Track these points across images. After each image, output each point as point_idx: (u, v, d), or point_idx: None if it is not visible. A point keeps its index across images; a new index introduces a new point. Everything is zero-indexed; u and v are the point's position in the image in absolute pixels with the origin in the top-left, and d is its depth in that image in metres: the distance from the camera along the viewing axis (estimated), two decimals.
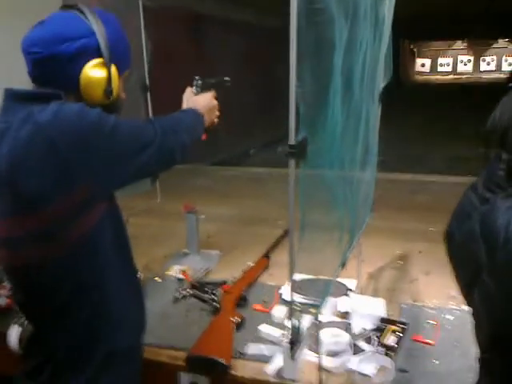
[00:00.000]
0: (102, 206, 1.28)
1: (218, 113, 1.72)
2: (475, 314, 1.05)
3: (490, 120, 1.03)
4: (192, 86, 1.75)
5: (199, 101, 1.64)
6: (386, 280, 2.57)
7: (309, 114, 1.39)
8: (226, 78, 1.87)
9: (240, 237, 3.34)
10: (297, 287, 2.31)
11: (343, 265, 2.01)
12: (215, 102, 1.71)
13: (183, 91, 1.75)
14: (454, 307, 2.22)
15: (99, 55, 1.28)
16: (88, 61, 1.26)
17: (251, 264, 2.75)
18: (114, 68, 1.31)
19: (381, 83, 2.23)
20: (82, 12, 1.28)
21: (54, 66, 1.24)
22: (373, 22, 1.91)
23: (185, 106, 1.67)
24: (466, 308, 1.20)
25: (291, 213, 1.48)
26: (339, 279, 2.30)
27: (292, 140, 1.36)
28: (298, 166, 1.44)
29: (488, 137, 1.04)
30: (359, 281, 2.42)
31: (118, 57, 1.32)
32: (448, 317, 2.15)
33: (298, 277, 2.59)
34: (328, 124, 1.56)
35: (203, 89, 1.74)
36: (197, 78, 1.76)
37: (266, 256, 2.86)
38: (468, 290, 1.04)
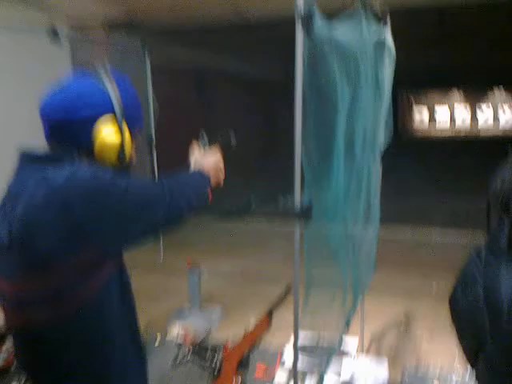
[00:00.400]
0: (110, 264, 1.29)
1: (223, 175, 1.74)
2: (479, 377, 1.04)
3: (492, 188, 1.04)
4: (198, 141, 1.78)
5: (207, 162, 1.66)
6: (389, 339, 2.53)
7: (313, 177, 1.41)
8: (232, 133, 1.90)
9: (242, 293, 3.32)
10: (301, 348, 2.28)
11: (348, 324, 1.99)
12: (222, 165, 1.73)
13: (188, 145, 1.77)
14: (458, 368, 2.18)
15: (114, 120, 1.30)
16: (103, 126, 1.29)
17: (253, 321, 2.72)
18: (127, 133, 1.33)
19: (381, 142, 2.28)
20: (97, 77, 1.32)
21: (70, 129, 1.28)
22: (373, 85, 1.97)
23: (193, 165, 1.70)
24: (470, 369, 1.18)
25: (296, 273, 1.48)
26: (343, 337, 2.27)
27: (297, 204, 1.38)
28: (304, 226, 1.45)
29: (490, 201, 1.06)
30: (362, 340, 2.39)
31: (132, 121, 1.35)
32: (452, 378, 2.12)
33: (302, 335, 2.57)
34: (332, 185, 1.58)
35: (209, 143, 1.77)
36: (203, 132, 1.79)
37: (268, 315, 2.82)
38: (472, 355, 1.03)
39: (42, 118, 1.30)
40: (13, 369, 2.30)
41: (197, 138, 1.80)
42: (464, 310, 1.06)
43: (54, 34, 2.71)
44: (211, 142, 1.76)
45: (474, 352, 1.04)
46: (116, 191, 1.23)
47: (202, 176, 1.57)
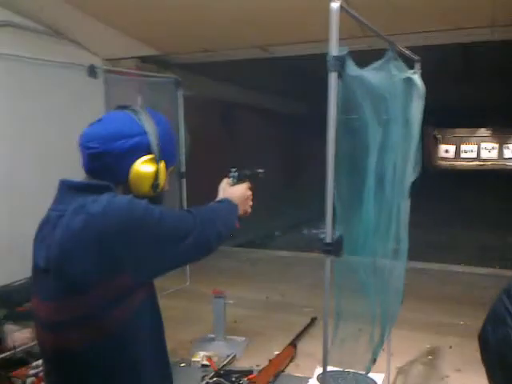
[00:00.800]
0: (142, 292, 1.31)
1: (251, 203, 1.79)
2: None
3: None
4: (228, 176, 1.83)
5: (234, 191, 1.71)
6: (415, 376, 2.52)
7: (344, 212, 1.46)
8: (260, 170, 1.94)
9: (266, 323, 3.33)
10: (326, 381, 2.28)
11: (374, 360, 1.99)
12: (249, 193, 1.75)
13: (215, 174, 1.83)
14: None
15: (150, 152, 1.36)
16: (140, 157, 1.34)
17: (277, 352, 2.73)
18: (162, 164, 1.38)
19: (410, 178, 2.31)
20: (135, 112, 1.38)
21: (108, 160, 1.33)
22: (403, 123, 2.01)
23: (221, 195, 1.76)
24: None
25: (326, 306, 1.50)
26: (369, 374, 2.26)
27: (329, 238, 1.42)
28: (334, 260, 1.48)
29: None
30: (388, 375, 2.38)
31: (166, 154, 1.40)
32: None
33: (324, 369, 2.55)
34: (362, 220, 1.62)
35: (239, 180, 1.82)
36: (233, 169, 1.84)
37: (293, 345, 2.83)
38: None
39: (81, 148, 1.36)
40: None
41: (224, 169, 1.85)
42: (494, 350, 1.07)
43: (92, 70, 2.84)
44: (240, 178, 1.80)
45: None
46: (150, 220, 1.27)
47: (230, 204, 1.62)
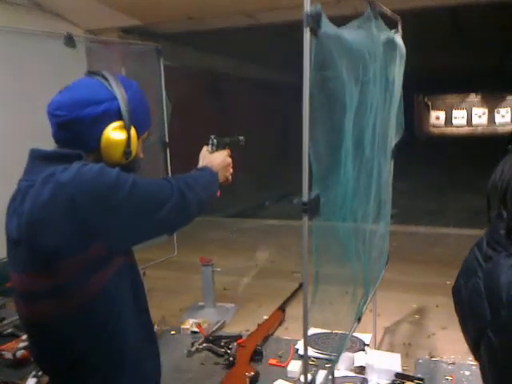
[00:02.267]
0: (118, 260, 1.30)
1: (231, 170, 1.76)
2: (482, 369, 1.06)
3: (491, 180, 1.06)
4: (208, 144, 1.81)
5: (214, 159, 1.68)
6: (402, 334, 2.56)
7: (321, 172, 1.45)
8: (240, 137, 1.92)
9: (256, 289, 3.36)
10: (312, 342, 2.31)
11: (359, 319, 2.02)
12: (229, 160, 1.73)
13: (200, 144, 1.80)
14: (470, 362, 2.20)
15: (120, 118, 1.32)
16: (109, 123, 1.30)
17: (266, 317, 2.76)
18: (133, 130, 1.35)
19: (393, 140, 2.30)
20: (105, 78, 1.34)
21: (77, 128, 1.29)
22: (383, 84, 2.00)
23: (201, 163, 1.73)
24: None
25: (305, 267, 1.52)
26: (355, 334, 2.30)
27: (305, 197, 1.42)
28: (311, 220, 1.48)
29: (489, 196, 1.08)
30: (375, 335, 2.41)
31: (138, 120, 1.37)
32: (465, 372, 2.13)
33: (313, 331, 2.60)
34: (340, 181, 1.62)
35: (218, 147, 1.80)
36: (212, 136, 1.81)
37: (282, 309, 2.87)
38: (475, 346, 1.05)
39: (49, 117, 1.32)
40: (31, 359, 2.37)
41: (207, 140, 1.83)
42: (466, 301, 1.08)
43: (70, 39, 2.78)
44: (220, 146, 1.78)
45: (475, 344, 1.06)
46: (123, 187, 1.24)
47: (209, 172, 1.59)
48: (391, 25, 2.33)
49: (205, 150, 1.75)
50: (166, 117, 3.44)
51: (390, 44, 2.22)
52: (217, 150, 1.75)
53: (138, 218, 1.28)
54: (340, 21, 1.62)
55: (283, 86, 9.17)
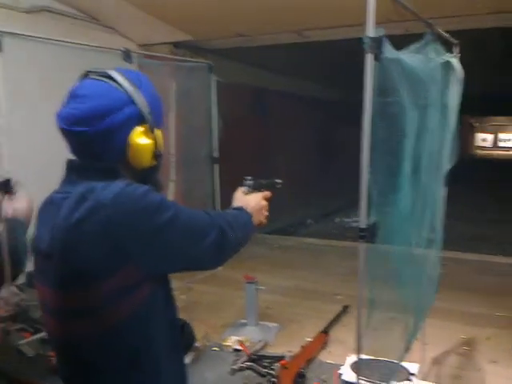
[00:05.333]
0: (152, 283, 1.25)
1: (266, 213, 1.67)
2: None
3: None
4: (243, 185, 1.77)
5: (249, 201, 1.63)
6: (450, 366, 2.47)
7: (379, 198, 1.43)
8: (278, 181, 1.88)
9: (298, 310, 3.32)
10: (359, 368, 2.26)
11: (408, 348, 1.96)
12: (264, 203, 1.67)
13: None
14: None
15: (141, 121, 1.25)
16: (132, 129, 1.24)
17: (309, 339, 2.72)
18: (157, 131, 1.30)
19: (446, 166, 2.25)
20: (113, 79, 1.24)
21: (100, 141, 1.22)
22: (439, 109, 1.96)
23: (235, 203, 1.66)
24: None
25: (361, 294, 1.49)
26: (402, 363, 2.23)
27: (363, 223, 1.40)
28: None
29: None
30: (422, 365, 2.34)
31: (157, 117, 1.30)
32: None
33: (358, 357, 2.54)
34: (397, 207, 1.59)
35: (254, 189, 1.76)
36: (248, 178, 1.77)
37: (325, 332, 2.82)
38: None
39: (64, 133, 1.24)
40: None
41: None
42: None
43: (127, 55, 2.86)
44: (256, 188, 1.74)
45: None
46: (165, 214, 1.19)
47: (245, 213, 1.54)
48: (447, 46, 2.29)
49: (240, 191, 1.71)
50: (217, 133, 3.48)
51: (447, 67, 2.18)
52: (253, 191, 1.72)
53: (175, 247, 1.23)
54: (392, 41, 1.60)
55: (327, 102, 9.14)
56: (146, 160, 1.28)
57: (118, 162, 1.26)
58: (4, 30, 2.37)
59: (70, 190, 1.22)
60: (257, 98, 6.87)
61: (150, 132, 1.27)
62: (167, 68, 3.66)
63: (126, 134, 1.24)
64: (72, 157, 1.28)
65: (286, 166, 7.18)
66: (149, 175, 1.31)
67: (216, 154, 3.51)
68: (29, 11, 3.68)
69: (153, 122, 1.28)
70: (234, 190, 1.75)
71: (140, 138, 1.25)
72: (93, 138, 1.21)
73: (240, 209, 1.55)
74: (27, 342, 2.66)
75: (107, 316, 1.20)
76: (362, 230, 1.41)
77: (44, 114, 3.53)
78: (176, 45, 4.68)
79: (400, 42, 1.64)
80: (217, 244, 1.30)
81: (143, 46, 4.53)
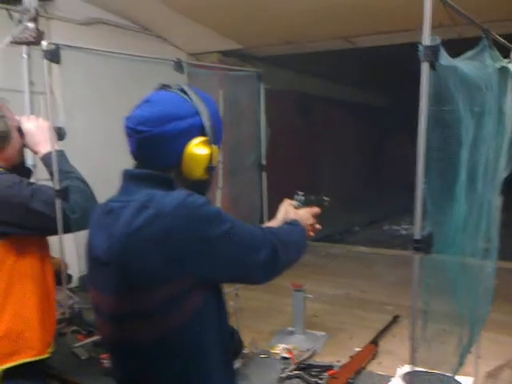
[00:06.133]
0: (206, 291, 1.28)
1: (312, 234, 1.73)
2: None
3: None
4: (293, 199, 1.80)
5: (302, 217, 1.66)
6: (504, 381, 2.39)
7: (435, 208, 1.40)
8: (326, 198, 1.90)
9: (346, 319, 3.29)
10: (411, 381, 2.21)
11: (462, 361, 1.91)
12: (312, 220, 1.71)
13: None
14: None
15: (203, 134, 1.31)
16: (192, 138, 1.29)
17: (358, 349, 2.69)
18: (214, 146, 1.34)
19: (502, 175, 2.19)
20: (184, 92, 1.32)
21: (160, 143, 1.27)
22: (496, 116, 1.91)
23: (282, 215, 1.70)
24: None
25: (414, 304, 1.46)
26: (456, 376, 2.17)
27: (418, 235, 1.37)
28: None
29: None
30: (476, 379, 2.27)
31: (217, 135, 1.36)
32: None
33: (411, 369, 2.48)
34: (452, 217, 1.56)
35: (304, 204, 1.78)
36: (300, 193, 1.81)
37: (375, 342, 2.78)
38: None
39: (129, 132, 1.31)
40: None
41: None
42: None
43: (179, 65, 2.91)
44: (306, 203, 1.76)
45: None
46: (222, 225, 1.23)
47: (301, 230, 1.56)
48: (503, 51, 2.23)
49: (288, 203, 1.73)
50: (266, 140, 3.50)
51: (504, 74, 2.12)
52: (302, 206, 1.74)
53: (228, 260, 1.26)
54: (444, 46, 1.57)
55: (374, 109, 9.04)
56: (200, 171, 1.32)
57: (172, 169, 1.31)
58: (62, 42, 2.46)
59: (127, 199, 1.26)
60: (303, 104, 6.86)
61: (207, 145, 1.31)
62: (215, 77, 3.71)
63: (186, 141, 1.29)
64: (129, 164, 1.35)
65: (332, 172, 7.14)
66: (199, 188, 1.34)
67: (264, 162, 3.52)
68: (84, 23, 3.83)
69: (212, 137, 1.33)
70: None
71: (198, 147, 1.30)
72: (155, 139, 1.27)
73: (296, 224, 1.58)
74: (81, 345, 2.74)
75: (161, 322, 1.23)
76: (417, 241, 1.38)
77: (99, 122, 3.69)
78: (224, 53, 4.74)
79: (452, 47, 1.61)
80: (268, 261, 1.33)
81: (193, 54, 4.62)
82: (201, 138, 1.30)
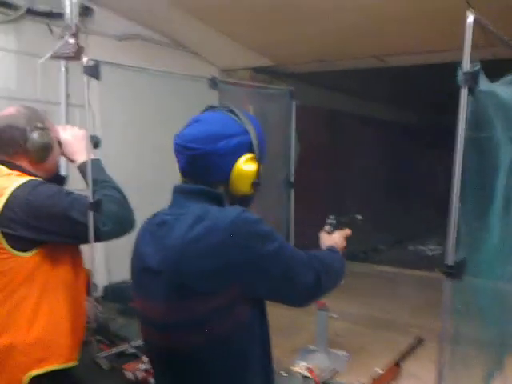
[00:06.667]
0: (252, 308, 1.33)
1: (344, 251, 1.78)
2: None
3: None
4: (326, 224, 1.83)
5: (337, 241, 1.74)
6: None
7: (469, 234, 1.40)
8: (359, 217, 1.92)
9: (369, 339, 3.25)
10: None
11: None
12: (344, 243, 1.77)
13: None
14: None
15: (251, 151, 1.38)
16: (240, 156, 1.36)
17: (380, 371, 2.66)
18: (259, 164, 1.40)
19: None
20: (232, 112, 1.41)
21: (210, 160, 1.34)
22: None
23: (325, 243, 1.77)
24: None
25: (444, 329, 1.45)
26: None
27: (450, 260, 1.37)
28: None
29: None
30: None
31: (262, 152, 1.43)
32: None
33: None
34: (486, 245, 1.54)
35: (337, 228, 1.81)
36: (331, 217, 1.83)
37: (397, 364, 2.75)
38: None
39: (179, 149, 1.38)
40: (151, 381, 2.46)
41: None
42: None
43: (213, 82, 2.97)
44: (338, 226, 1.79)
45: None
46: (273, 243, 1.29)
47: (340, 258, 1.61)
48: None
49: (324, 231, 1.78)
50: (295, 158, 3.51)
51: None
52: (334, 230, 1.77)
53: (273, 278, 1.31)
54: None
55: (404, 127, 8.98)
56: (247, 187, 1.39)
57: (220, 185, 1.38)
58: (100, 57, 2.52)
59: (179, 212, 1.34)
60: (332, 121, 6.86)
61: (255, 161, 1.39)
62: (246, 93, 3.76)
63: (236, 158, 1.36)
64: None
65: (358, 189, 7.09)
66: (243, 203, 1.41)
67: (293, 179, 3.53)
68: (121, 38, 3.92)
69: (258, 154, 1.40)
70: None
71: (247, 164, 1.37)
72: (206, 156, 1.34)
73: (335, 251, 1.63)
74: (104, 356, 2.77)
75: (207, 332, 1.29)
76: (449, 266, 1.38)
77: (134, 136, 3.76)
78: (256, 69, 4.78)
79: (486, 67, 1.61)
80: (311, 286, 1.38)
81: (225, 70, 4.67)
82: (249, 155, 1.37)
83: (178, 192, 1.41)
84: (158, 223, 1.40)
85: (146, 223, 1.46)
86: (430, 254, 6.14)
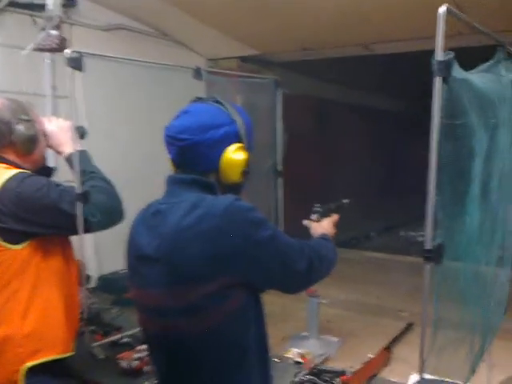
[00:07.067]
0: (246, 295, 1.36)
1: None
2: None
3: None
4: (313, 212, 1.84)
5: (326, 228, 1.78)
6: None
7: (445, 219, 1.43)
8: (345, 201, 1.93)
9: (360, 325, 3.30)
10: None
11: (473, 370, 1.92)
12: (335, 230, 1.81)
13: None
14: None
15: (238, 140, 1.42)
16: (229, 145, 1.40)
17: (371, 356, 2.71)
18: (248, 153, 1.45)
19: None
20: (219, 103, 1.45)
21: (199, 150, 1.38)
22: (510, 127, 1.92)
23: (316, 232, 1.80)
24: None
25: (424, 313, 1.49)
26: None
27: (428, 245, 1.40)
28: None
29: None
30: None
31: (249, 141, 1.47)
32: None
33: (420, 377, 2.48)
34: (464, 229, 1.58)
35: (324, 215, 1.82)
36: (317, 205, 1.84)
37: (388, 349, 2.80)
38: None
39: (170, 140, 1.42)
40: (145, 370, 2.50)
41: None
42: None
43: (198, 73, 2.97)
44: (326, 213, 1.80)
45: None
46: (267, 230, 1.32)
47: (332, 246, 1.64)
48: None
49: (311, 222, 1.80)
50: (282, 146, 3.53)
51: None
52: (322, 218, 1.78)
53: (267, 265, 1.34)
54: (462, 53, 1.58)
55: (391, 115, 9.00)
56: (236, 175, 1.42)
57: (211, 174, 1.42)
58: (84, 48, 2.52)
59: (174, 201, 1.38)
60: (320, 109, 6.87)
61: (243, 150, 1.43)
62: (233, 83, 3.76)
63: (224, 147, 1.40)
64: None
65: (349, 177, 7.13)
66: (234, 191, 1.44)
67: (280, 168, 3.55)
68: (106, 29, 3.91)
69: (246, 143, 1.44)
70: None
71: (235, 152, 1.40)
72: (196, 146, 1.38)
73: (327, 238, 1.67)
74: (98, 345, 2.80)
75: (203, 318, 1.32)
76: (427, 250, 1.41)
77: (120, 127, 3.76)
78: (243, 59, 4.78)
79: (469, 54, 1.64)
80: (304, 273, 1.41)
81: (211, 60, 4.67)
82: (237, 145, 1.41)
83: (171, 182, 1.45)
84: (152, 212, 1.43)
85: (140, 214, 1.49)
86: (420, 239, 6.09)
